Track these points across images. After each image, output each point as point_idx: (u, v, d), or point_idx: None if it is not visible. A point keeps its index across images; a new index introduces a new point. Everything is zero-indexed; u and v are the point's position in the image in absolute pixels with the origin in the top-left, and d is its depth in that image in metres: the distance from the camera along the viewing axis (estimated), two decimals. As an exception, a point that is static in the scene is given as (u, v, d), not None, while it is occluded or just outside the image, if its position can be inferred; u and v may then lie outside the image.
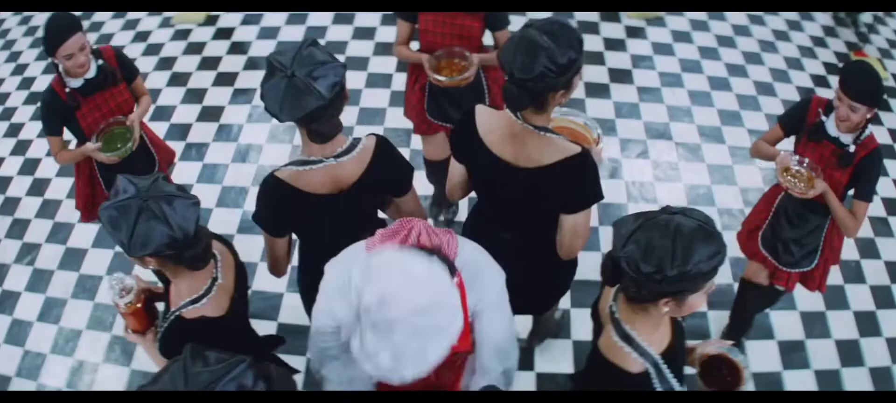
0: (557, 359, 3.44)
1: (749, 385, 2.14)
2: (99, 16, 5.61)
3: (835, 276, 3.76)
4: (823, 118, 2.76)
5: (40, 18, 5.39)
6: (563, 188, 2.16)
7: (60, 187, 4.30)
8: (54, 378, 3.43)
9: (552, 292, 2.84)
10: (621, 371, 1.73)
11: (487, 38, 3.20)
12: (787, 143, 3.03)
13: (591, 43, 5.16)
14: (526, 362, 3.44)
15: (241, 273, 2.13)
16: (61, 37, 2.76)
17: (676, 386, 1.77)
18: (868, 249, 3.98)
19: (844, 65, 2.70)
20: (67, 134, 3.05)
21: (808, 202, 2.84)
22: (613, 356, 1.76)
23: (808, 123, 2.81)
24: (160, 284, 2.16)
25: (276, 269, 2.42)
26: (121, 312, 2.06)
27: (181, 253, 1.81)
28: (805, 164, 2.77)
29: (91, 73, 2.92)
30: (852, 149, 2.71)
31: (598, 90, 4.84)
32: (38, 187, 4.32)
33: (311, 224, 2.26)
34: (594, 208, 2.63)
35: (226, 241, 2.13)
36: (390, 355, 1.48)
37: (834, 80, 5.08)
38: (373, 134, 2.26)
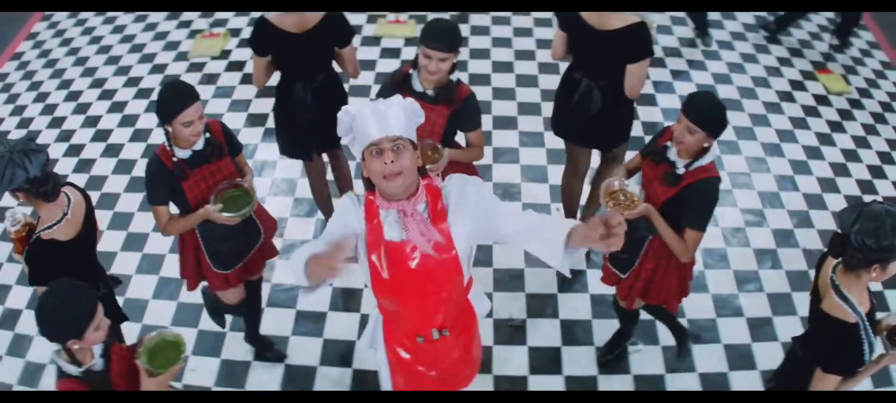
0: (548, 336, 4.00)
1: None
2: (117, 49, 6.23)
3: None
4: (669, 143, 3.05)
5: (125, 94, 5.94)
6: (628, 45, 3.39)
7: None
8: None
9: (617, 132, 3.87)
10: (842, 323, 2.43)
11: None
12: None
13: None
14: (519, 338, 4.01)
15: (90, 215, 2.96)
16: (182, 103, 2.86)
17: (875, 343, 2.49)
18: None
19: (695, 91, 3.08)
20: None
21: (649, 225, 3.09)
22: (836, 312, 2.45)
23: (657, 145, 3.11)
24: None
25: (258, 81, 3.72)
26: (11, 237, 2.83)
27: (36, 189, 2.68)
28: (628, 186, 3.06)
29: (199, 146, 3.02)
30: (681, 171, 2.97)
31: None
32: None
33: (283, 52, 3.60)
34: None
35: (85, 193, 2.97)
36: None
37: (799, 95, 5.75)
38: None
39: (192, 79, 5.83)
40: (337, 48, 3.71)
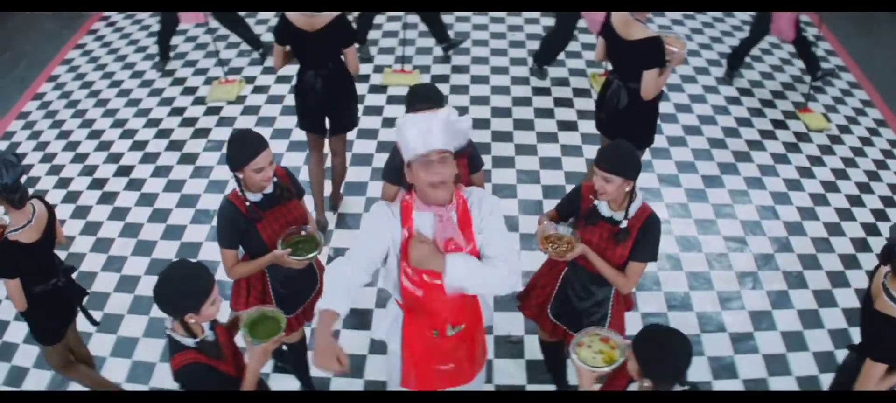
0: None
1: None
2: (137, 92, 6.75)
3: None
4: (596, 201, 3.22)
5: (145, 134, 6.46)
6: (644, 55, 4.20)
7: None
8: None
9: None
10: (892, 319, 2.89)
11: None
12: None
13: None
14: (517, 352, 4.39)
15: (51, 224, 3.50)
16: (255, 151, 3.10)
17: None
18: None
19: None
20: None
21: (592, 276, 3.31)
22: (887, 310, 2.90)
23: (583, 209, 3.27)
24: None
25: (276, 64, 4.59)
26: None
27: (7, 195, 3.23)
28: (562, 230, 3.26)
29: (269, 189, 3.27)
30: (625, 224, 3.15)
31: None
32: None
33: (297, 44, 4.47)
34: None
35: (49, 206, 3.53)
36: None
37: (781, 133, 6.22)
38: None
39: (209, 121, 6.34)
40: (342, 47, 4.52)
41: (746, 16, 7.88)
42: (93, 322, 3.94)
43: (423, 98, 3.51)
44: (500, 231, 2.93)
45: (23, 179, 3.29)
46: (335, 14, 4.39)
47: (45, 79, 7.14)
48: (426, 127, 2.70)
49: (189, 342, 2.71)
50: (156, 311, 4.68)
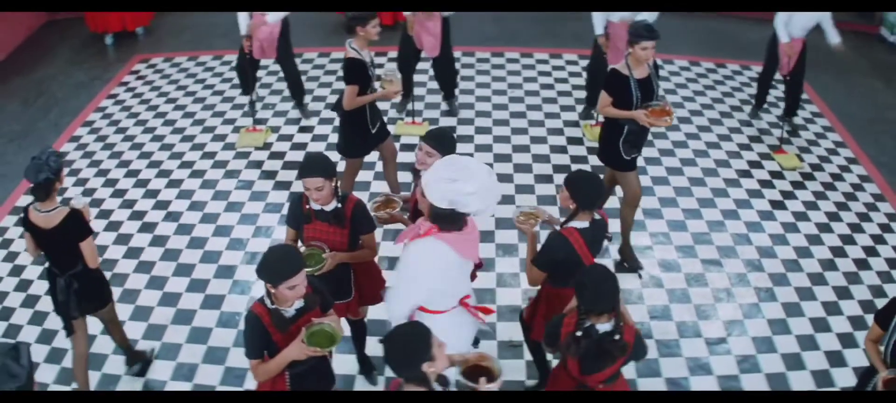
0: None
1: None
2: (170, 138, 7.66)
3: None
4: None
5: (180, 174, 7.38)
6: None
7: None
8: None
9: None
10: None
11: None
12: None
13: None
14: (517, 354, 5.14)
15: (66, 225, 4.30)
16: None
17: None
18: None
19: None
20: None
21: None
22: None
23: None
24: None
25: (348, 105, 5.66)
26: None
27: (35, 191, 4.23)
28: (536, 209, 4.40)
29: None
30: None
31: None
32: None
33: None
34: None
35: (71, 213, 4.32)
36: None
37: (756, 171, 7.06)
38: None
39: (238, 164, 7.24)
40: None
41: (728, 70, 8.85)
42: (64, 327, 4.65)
43: (439, 137, 4.44)
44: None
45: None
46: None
47: (80, 123, 8.08)
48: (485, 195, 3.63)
49: (268, 302, 3.49)
50: (198, 321, 5.49)
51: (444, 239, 3.68)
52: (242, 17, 7.17)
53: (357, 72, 5.64)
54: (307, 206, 4.17)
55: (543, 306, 4.39)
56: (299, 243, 4.29)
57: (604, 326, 3.48)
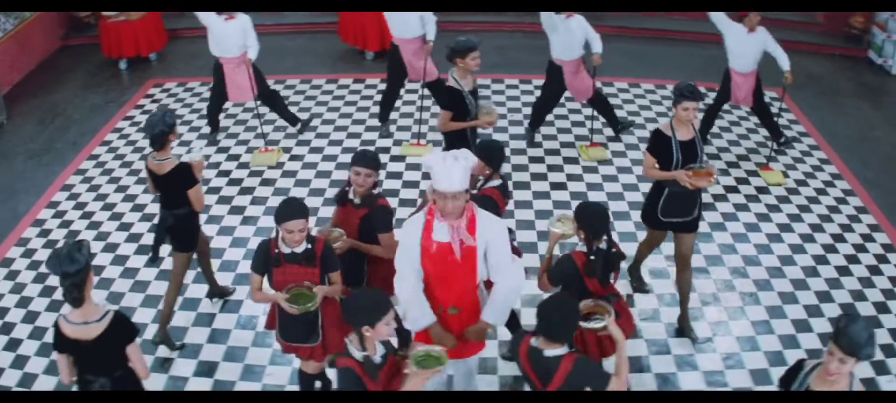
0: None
1: None
2: (187, 158, 8.11)
3: None
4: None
5: None
6: None
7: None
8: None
9: None
10: None
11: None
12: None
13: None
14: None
15: (168, 179, 5.40)
16: (289, 215, 4.33)
17: None
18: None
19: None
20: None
21: None
22: None
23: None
24: None
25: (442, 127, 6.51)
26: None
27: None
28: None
29: (299, 249, 4.43)
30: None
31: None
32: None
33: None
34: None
35: (184, 171, 5.37)
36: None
37: (743, 187, 7.56)
38: None
39: (252, 182, 7.78)
40: None
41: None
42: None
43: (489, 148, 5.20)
44: (499, 258, 4.28)
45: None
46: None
47: (98, 142, 8.66)
48: (449, 171, 4.02)
49: (357, 355, 3.67)
50: (217, 323, 5.96)
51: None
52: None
53: (454, 100, 6.40)
54: (276, 250, 4.50)
55: None
56: (266, 287, 4.64)
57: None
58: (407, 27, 7.95)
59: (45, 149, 8.60)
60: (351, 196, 4.96)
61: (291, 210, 4.39)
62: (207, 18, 7.72)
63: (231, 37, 7.73)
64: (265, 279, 4.60)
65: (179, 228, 5.56)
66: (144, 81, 10.19)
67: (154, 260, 5.90)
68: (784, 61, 7.54)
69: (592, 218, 4.55)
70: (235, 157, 8.28)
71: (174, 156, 5.42)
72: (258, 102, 8.27)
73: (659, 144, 5.41)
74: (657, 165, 5.43)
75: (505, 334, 5.75)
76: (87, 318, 3.88)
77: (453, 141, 6.35)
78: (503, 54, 10.72)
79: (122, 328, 3.98)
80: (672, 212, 5.54)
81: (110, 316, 3.93)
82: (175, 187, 5.42)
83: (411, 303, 4.31)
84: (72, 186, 7.84)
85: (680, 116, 5.33)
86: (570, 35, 7.72)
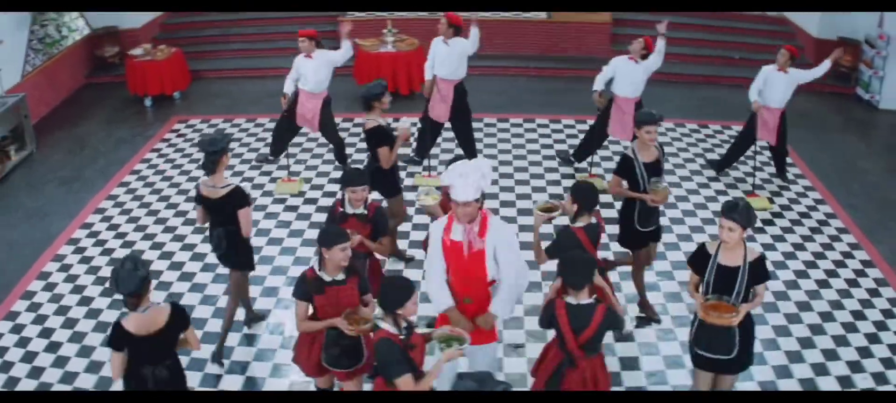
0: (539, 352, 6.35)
1: None
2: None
3: None
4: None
5: None
6: None
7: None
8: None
9: None
10: None
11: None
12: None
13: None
14: (521, 354, 6.36)
15: (221, 204, 5.87)
16: (343, 238, 4.92)
17: None
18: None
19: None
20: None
21: None
22: None
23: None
24: None
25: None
26: None
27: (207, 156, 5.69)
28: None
29: (340, 276, 4.96)
30: None
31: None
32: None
33: None
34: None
35: (233, 191, 5.87)
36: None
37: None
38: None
39: (276, 208, 8.63)
40: None
41: (710, 130, 10.24)
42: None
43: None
44: (508, 257, 5.10)
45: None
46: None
47: (128, 171, 9.56)
48: (464, 181, 4.83)
49: (394, 330, 4.39)
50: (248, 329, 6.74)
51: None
52: (288, 83, 8.87)
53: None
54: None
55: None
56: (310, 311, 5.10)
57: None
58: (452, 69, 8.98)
59: (74, 177, 9.46)
60: (350, 211, 5.81)
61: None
62: (296, 61, 8.78)
63: (311, 72, 8.72)
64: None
65: (230, 246, 6.00)
66: (169, 118, 11.13)
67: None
68: (820, 70, 8.74)
69: (588, 193, 5.47)
70: (259, 186, 9.15)
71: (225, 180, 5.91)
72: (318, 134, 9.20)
73: (625, 167, 6.32)
74: (626, 184, 6.33)
75: (508, 338, 6.51)
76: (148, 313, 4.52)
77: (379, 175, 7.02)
78: (507, 96, 11.79)
79: (180, 317, 4.62)
80: (646, 223, 6.46)
81: (169, 308, 4.58)
82: (230, 211, 5.86)
83: (435, 287, 5.16)
84: (104, 209, 8.70)
85: (643, 139, 6.23)
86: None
